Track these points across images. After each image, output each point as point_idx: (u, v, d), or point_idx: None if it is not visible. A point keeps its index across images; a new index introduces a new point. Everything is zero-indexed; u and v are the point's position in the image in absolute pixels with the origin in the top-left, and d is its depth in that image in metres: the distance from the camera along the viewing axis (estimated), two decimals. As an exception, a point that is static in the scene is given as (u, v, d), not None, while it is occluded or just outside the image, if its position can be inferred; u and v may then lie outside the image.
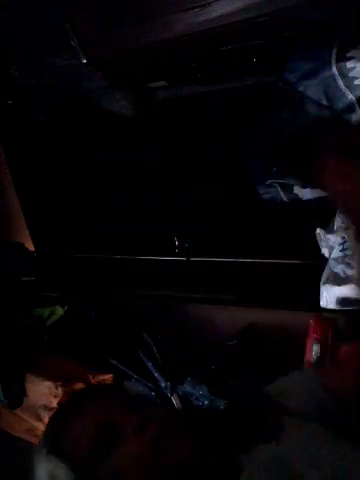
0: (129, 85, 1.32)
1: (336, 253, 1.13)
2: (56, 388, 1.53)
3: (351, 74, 0.94)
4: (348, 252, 1.11)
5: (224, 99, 1.27)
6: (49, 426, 0.62)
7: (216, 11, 0.90)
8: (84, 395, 0.65)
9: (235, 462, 0.55)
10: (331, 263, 1.14)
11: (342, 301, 1.10)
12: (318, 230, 1.17)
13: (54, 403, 1.55)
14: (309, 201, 1.14)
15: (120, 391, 0.64)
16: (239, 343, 1.41)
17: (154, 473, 0.53)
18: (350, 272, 1.10)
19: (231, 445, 0.57)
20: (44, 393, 1.55)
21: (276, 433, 0.58)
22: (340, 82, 0.96)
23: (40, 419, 1.59)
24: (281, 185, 1.15)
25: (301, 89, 1.02)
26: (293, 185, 1.13)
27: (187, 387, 1.34)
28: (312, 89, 1.01)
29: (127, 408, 0.58)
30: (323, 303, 1.14)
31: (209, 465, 0.54)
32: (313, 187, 1.10)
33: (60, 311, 1.68)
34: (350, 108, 0.97)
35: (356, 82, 0.94)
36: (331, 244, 1.14)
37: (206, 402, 1.28)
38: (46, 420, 1.59)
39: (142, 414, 0.56)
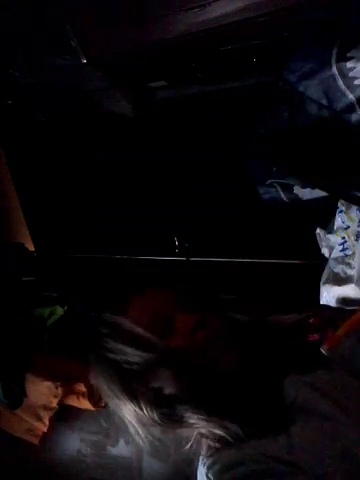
0: (129, 85, 1.32)
1: (336, 253, 1.13)
2: (56, 388, 1.54)
3: (351, 74, 0.94)
4: (348, 252, 1.11)
5: (224, 99, 1.27)
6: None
7: (216, 11, 0.90)
8: (155, 289, 0.69)
9: (277, 382, 0.58)
10: (331, 263, 1.14)
11: (342, 301, 1.10)
12: (318, 230, 1.17)
13: (54, 403, 1.55)
14: (309, 201, 1.14)
15: (186, 294, 0.69)
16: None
17: (194, 371, 0.58)
18: (350, 272, 1.10)
19: (278, 367, 0.61)
20: (44, 393, 1.55)
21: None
22: (340, 82, 0.96)
23: (40, 419, 1.59)
24: (281, 185, 1.15)
25: (301, 89, 1.02)
26: (293, 185, 1.13)
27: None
28: (312, 89, 1.01)
29: (188, 310, 0.63)
30: (323, 303, 1.14)
31: (248, 381, 0.58)
32: (313, 187, 1.10)
33: (60, 311, 1.68)
34: (350, 108, 0.97)
35: (356, 82, 0.94)
36: (331, 244, 1.14)
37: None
38: (46, 420, 1.59)
39: (200, 318, 0.61)
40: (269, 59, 1.10)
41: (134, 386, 0.60)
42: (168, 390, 0.59)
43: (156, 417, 0.59)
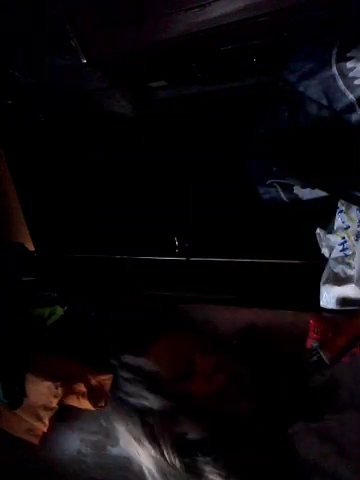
0: (129, 85, 1.32)
1: (336, 253, 1.13)
2: (56, 388, 1.53)
3: (351, 74, 0.94)
4: (348, 252, 1.11)
5: (224, 99, 1.27)
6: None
7: (216, 11, 0.90)
8: (176, 333, 0.71)
9: (285, 427, 0.58)
10: (331, 263, 1.14)
11: (342, 301, 1.10)
12: (318, 230, 1.17)
13: (54, 403, 1.55)
14: (309, 201, 1.14)
15: (207, 337, 0.69)
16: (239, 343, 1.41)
17: (211, 413, 0.58)
18: (350, 272, 1.10)
19: (289, 411, 0.61)
20: (44, 393, 1.54)
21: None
22: (340, 82, 0.96)
23: (40, 419, 1.59)
24: (281, 185, 1.15)
25: (301, 89, 1.02)
26: (293, 185, 1.13)
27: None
28: (312, 89, 1.01)
29: (208, 352, 0.64)
30: (323, 303, 1.14)
31: (263, 427, 0.58)
32: (313, 187, 1.10)
33: (60, 311, 1.67)
34: (350, 108, 0.97)
35: (356, 82, 0.94)
36: (331, 244, 1.14)
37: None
38: (46, 420, 1.59)
39: (218, 361, 0.62)
40: (269, 59, 1.10)
41: (156, 431, 0.59)
42: (190, 435, 0.58)
43: (177, 465, 0.57)
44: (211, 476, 0.55)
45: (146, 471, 0.61)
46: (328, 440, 0.54)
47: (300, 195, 1.14)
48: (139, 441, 0.60)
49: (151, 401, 0.60)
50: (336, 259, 1.13)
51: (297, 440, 0.55)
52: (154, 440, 0.59)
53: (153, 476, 0.60)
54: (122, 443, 0.64)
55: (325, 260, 1.17)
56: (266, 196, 1.19)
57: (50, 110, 1.49)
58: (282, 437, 0.57)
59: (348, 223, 1.09)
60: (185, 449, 0.58)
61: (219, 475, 0.55)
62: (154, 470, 0.60)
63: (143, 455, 0.60)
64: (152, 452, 0.59)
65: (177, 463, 0.57)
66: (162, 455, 0.58)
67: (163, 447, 0.58)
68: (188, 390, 0.60)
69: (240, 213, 1.36)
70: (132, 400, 0.62)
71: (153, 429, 0.60)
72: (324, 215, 1.15)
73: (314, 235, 1.19)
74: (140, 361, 0.65)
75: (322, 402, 0.61)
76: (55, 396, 1.54)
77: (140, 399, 0.61)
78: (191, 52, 1.09)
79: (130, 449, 0.63)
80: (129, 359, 0.68)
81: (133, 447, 0.62)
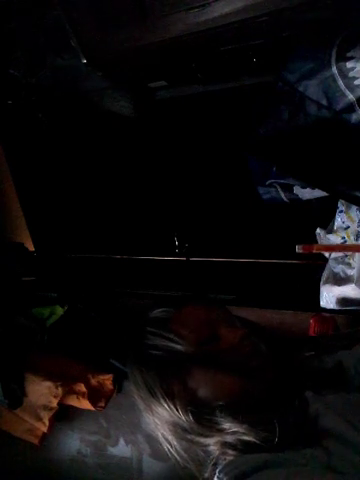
0: (129, 85, 1.32)
1: (336, 253, 1.13)
2: (56, 388, 1.53)
3: (351, 74, 0.94)
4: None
5: (224, 99, 1.27)
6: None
7: (216, 11, 0.90)
8: (202, 303, 0.70)
9: (303, 397, 0.58)
10: (331, 263, 1.14)
11: (342, 301, 1.11)
12: (318, 230, 1.17)
13: (54, 403, 1.55)
14: (309, 201, 1.14)
15: (232, 315, 0.70)
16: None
17: (232, 376, 0.58)
18: (350, 272, 1.10)
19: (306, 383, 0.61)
20: (44, 393, 1.55)
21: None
22: (340, 82, 0.96)
23: (40, 419, 1.59)
24: (281, 185, 1.15)
25: (301, 89, 1.02)
26: (293, 185, 1.13)
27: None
28: (312, 89, 1.01)
29: (234, 326, 0.64)
30: (323, 303, 1.15)
31: (277, 394, 0.58)
32: (313, 187, 1.10)
33: (60, 311, 1.68)
34: (350, 108, 0.97)
35: (356, 82, 0.94)
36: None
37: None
38: (46, 420, 1.59)
39: (244, 334, 0.62)
40: (269, 59, 1.10)
41: (172, 384, 0.60)
42: (203, 392, 0.59)
43: (190, 418, 0.58)
44: (223, 425, 0.56)
45: (158, 431, 0.62)
46: (336, 411, 0.54)
47: (300, 195, 1.14)
48: (155, 394, 0.60)
49: (176, 353, 0.60)
50: (336, 259, 1.13)
51: (308, 406, 0.56)
52: (169, 393, 0.59)
53: (163, 436, 0.61)
54: (137, 398, 0.64)
55: (325, 260, 1.17)
56: (266, 196, 1.19)
57: (50, 110, 1.49)
58: (297, 400, 0.57)
59: (348, 223, 1.10)
60: (198, 402, 0.58)
61: (231, 422, 0.55)
62: (167, 428, 0.60)
63: (157, 410, 0.60)
64: (166, 406, 0.59)
65: (189, 416, 0.57)
66: (175, 408, 0.58)
67: (177, 400, 0.59)
68: (213, 350, 0.60)
69: (240, 213, 1.36)
70: (155, 352, 0.62)
71: (169, 382, 0.60)
72: (324, 215, 1.15)
73: (314, 235, 1.19)
74: (169, 315, 0.66)
75: (328, 381, 0.61)
76: (55, 396, 1.54)
77: (164, 352, 0.61)
78: (191, 52, 1.09)
79: (144, 405, 0.63)
80: (158, 313, 0.67)
81: (148, 402, 0.62)
